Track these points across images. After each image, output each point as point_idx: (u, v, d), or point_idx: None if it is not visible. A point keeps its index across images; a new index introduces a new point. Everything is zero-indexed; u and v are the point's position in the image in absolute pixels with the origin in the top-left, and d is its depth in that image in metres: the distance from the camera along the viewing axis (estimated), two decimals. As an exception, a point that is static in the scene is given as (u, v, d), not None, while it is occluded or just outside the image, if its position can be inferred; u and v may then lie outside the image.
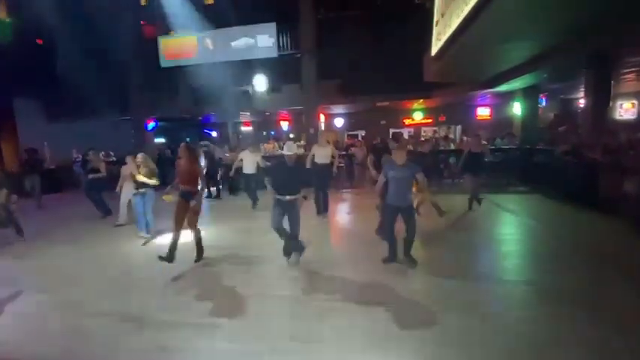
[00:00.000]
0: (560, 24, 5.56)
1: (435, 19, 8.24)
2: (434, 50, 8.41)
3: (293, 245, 4.19)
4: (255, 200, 7.62)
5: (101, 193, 7.31)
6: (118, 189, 6.39)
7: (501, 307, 3.18)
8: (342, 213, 7.22)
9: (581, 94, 10.92)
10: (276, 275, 4.08)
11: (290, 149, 4.08)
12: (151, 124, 15.66)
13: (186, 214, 4.26)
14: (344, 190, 9.76)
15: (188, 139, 17.97)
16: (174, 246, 4.19)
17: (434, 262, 4.25)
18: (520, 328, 2.84)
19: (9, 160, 13.36)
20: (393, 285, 3.63)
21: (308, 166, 6.29)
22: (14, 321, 3.29)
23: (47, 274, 4.43)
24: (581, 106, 11.36)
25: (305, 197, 4.10)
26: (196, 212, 4.31)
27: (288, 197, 3.98)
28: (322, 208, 6.52)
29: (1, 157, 13.05)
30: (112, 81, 13.65)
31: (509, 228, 5.78)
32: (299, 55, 12.73)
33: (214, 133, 20.02)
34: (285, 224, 4.12)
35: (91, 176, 7.13)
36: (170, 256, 4.13)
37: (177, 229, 4.23)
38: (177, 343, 2.78)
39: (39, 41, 14.03)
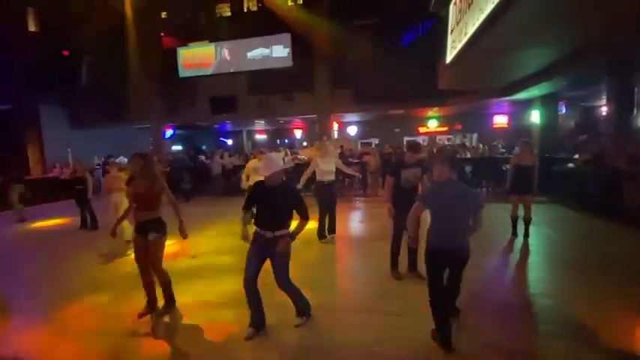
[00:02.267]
0: (579, 30, 5.44)
1: (450, 27, 8.20)
2: (448, 58, 8.35)
3: (294, 301, 3.01)
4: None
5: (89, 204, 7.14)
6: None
7: (519, 320, 3.07)
8: (352, 233, 6.27)
9: (603, 101, 10.59)
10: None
11: (269, 164, 2.80)
12: (169, 132, 16.09)
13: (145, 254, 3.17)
14: (357, 199, 9.70)
15: (204, 147, 18.51)
16: (152, 295, 3.27)
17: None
18: (541, 343, 2.73)
19: (34, 165, 13.94)
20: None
21: (302, 182, 5.32)
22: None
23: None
24: (604, 113, 11.00)
25: (292, 237, 2.86)
26: (159, 248, 3.20)
27: (270, 233, 2.81)
28: (328, 230, 5.49)
29: (27, 162, 13.63)
30: (133, 90, 14.16)
31: (529, 239, 5.59)
32: (313, 64, 12.88)
33: (230, 141, 20.37)
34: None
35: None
36: (142, 311, 3.26)
37: (142, 275, 3.24)
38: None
39: (65, 52, 14.70)
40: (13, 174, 8.85)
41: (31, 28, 14.48)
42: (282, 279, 2.88)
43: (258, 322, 2.91)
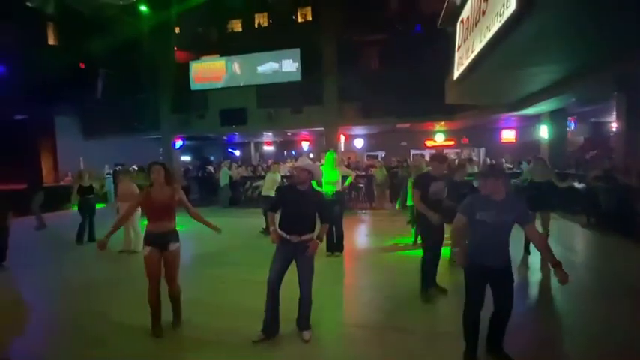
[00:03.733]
0: (587, 47, 5.47)
1: (457, 44, 8.31)
2: (455, 74, 8.44)
3: (303, 314, 2.98)
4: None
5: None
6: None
7: (528, 340, 3.00)
8: (358, 246, 6.22)
9: (614, 117, 10.53)
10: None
11: (301, 161, 3.03)
12: (179, 143, 16.36)
13: (161, 266, 3.06)
14: (362, 211, 9.68)
15: (212, 158, 18.74)
16: (156, 317, 3.10)
17: (460, 288, 4.09)
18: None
19: (47, 173, 14.24)
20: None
21: None
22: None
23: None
24: (614, 129, 10.92)
25: (320, 239, 2.89)
26: (177, 260, 3.12)
27: (296, 237, 2.83)
28: (336, 247, 5.37)
29: (40, 170, 13.93)
30: (145, 102, 14.53)
31: (537, 256, 5.50)
32: (321, 78, 13.09)
33: (237, 152, 20.62)
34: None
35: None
36: (157, 330, 3.09)
37: (154, 291, 3.05)
38: None
39: (81, 65, 15.19)
40: (36, 182, 8.95)
41: (51, 41, 15.05)
42: (306, 283, 2.89)
43: (270, 327, 2.91)
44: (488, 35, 5.56)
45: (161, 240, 3.05)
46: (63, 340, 3.21)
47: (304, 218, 2.87)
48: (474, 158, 14.01)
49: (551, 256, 2.44)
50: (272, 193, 6.11)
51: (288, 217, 2.89)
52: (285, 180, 7.48)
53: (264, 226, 6.91)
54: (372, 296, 3.98)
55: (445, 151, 16.44)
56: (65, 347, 3.09)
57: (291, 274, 2.95)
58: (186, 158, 19.82)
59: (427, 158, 8.84)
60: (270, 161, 7.61)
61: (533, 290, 4.17)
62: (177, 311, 3.26)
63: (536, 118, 11.25)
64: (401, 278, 4.36)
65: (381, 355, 2.78)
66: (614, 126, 11.01)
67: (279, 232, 2.89)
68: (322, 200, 3.04)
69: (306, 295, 2.92)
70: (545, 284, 4.31)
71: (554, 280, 4.46)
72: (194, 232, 4.95)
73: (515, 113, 10.70)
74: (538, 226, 5.03)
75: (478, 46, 6.20)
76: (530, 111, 10.14)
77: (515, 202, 2.46)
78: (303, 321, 2.98)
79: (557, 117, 10.46)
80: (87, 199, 6.85)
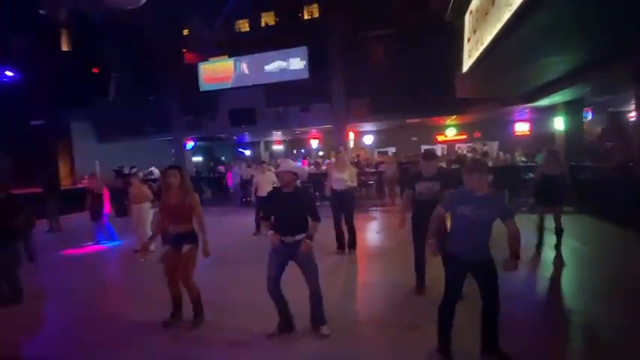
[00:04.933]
0: (603, 36, 5.29)
1: (467, 36, 8.15)
2: (465, 67, 8.28)
3: (316, 311, 3.05)
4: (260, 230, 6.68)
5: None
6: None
7: (543, 336, 2.95)
8: (369, 243, 6.12)
9: (632, 106, 10.16)
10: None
11: (284, 164, 3.04)
12: (190, 144, 16.59)
13: (178, 266, 3.21)
14: (374, 209, 9.63)
15: (223, 158, 18.94)
16: (175, 305, 3.34)
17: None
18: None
19: (64, 177, 14.66)
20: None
21: (327, 193, 5.45)
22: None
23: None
24: (632, 119, 10.54)
25: (310, 237, 2.94)
26: (193, 260, 3.24)
27: (291, 238, 2.91)
28: (348, 245, 5.41)
29: (57, 173, 14.35)
30: (157, 104, 14.77)
31: (554, 251, 5.38)
32: (329, 75, 13.04)
33: (248, 152, 20.78)
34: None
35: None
36: (175, 319, 3.33)
37: (173, 284, 3.27)
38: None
39: (95, 70, 15.53)
40: (52, 185, 9.16)
41: (64, 47, 15.44)
42: (313, 280, 2.96)
43: (284, 324, 3.02)
44: (499, 26, 5.43)
45: (176, 240, 3.21)
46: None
47: (295, 219, 2.93)
48: (488, 151, 13.77)
49: (516, 248, 2.44)
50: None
51: (280, 221, 2.95)
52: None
53: (256, 232, 6.87)
54: (385, 293, 3.97)
55: (457, 145, 16.23)
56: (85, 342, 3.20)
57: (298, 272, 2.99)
58: (197, 159, 20.10)
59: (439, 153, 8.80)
60: (263, 163, 7.62)
61: (545, 286, 4.07)
62: (197, 311, 3.30)
63: (551, 110, 10.94)
64: (413, 275, 4.33)
65: (392, 353, 2.78)
66: (632, 116, 10.64)
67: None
68: (310, 198, 3.10)
69: (315, 292, 2.98)
70: (557, 280, 4.22)
71: (567, 276, 4.36)
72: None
73: (529, 105, 10.44)
74: (550, 221, 4.93)
75: (488, 38, 6.06)
76: (544, 102, 9.86)
77: (496, 198, 2.54)
78: (318, 316, 3.03)
79: (573, 108, 10.13)
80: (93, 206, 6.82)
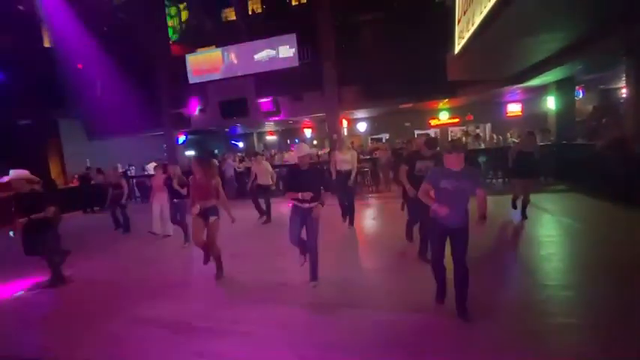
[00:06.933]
0: (593, 11, 5.25)
1: (457, 17, 8.05)
2: (457, 49, 8.21)
3: (312, 265, 3.85)
4: (263, 213, 7.30)
5: (125, 209, 7.62)
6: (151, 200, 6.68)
7: (541, 313, 3.01)
8: (368, 224, 6.65)
9: (623, 83, 10.18)
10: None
11: (300, 151, 3.79)
12: (182, 138, 16.37)
13: (204, 233, 4.18)
14: (369, 195, 9.65)
15: (216, 151, 18.76)
16: (205, 253, 4.29)
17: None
18: (563, 338, 2.68)
19: (56, 177, 14.45)
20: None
21: (333, 175, 6.09)
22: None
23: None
24: (624, 96, 10.59)
25: (322, 204, 3.72)
26: (216, 228, 4.23)
27: (307, 204, 3.70)
28: (347, 216, 6.24)
29: (48, 172, 14.13)
30: (145, 98, 14.48)
31: (547, 229, 5.45)
32: (319, 62, 12.85)
33: (241, 144, 20.59)
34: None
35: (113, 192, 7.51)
36: (220, 273, 4.37)
37: (201, 244, 4.22)
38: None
39: (79, 66, 15.15)
40: (54, 186, 9.28)
41: (47, 44, 15.00)
42: (312, 237, 3.75)
43: (305, 258, 3.94)
44: (489, 5, 5.36)
45: (204, 213, 4.15)
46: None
47: (311, 189, 3.64)
48: (480, 134, 13.80)
49: (483, 210, 3.07)
50: (269, 181, 7.19)
51: (300, 190, 3.66)
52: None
53: (261, 216, 7.43)
54: (384, 278, 4.01)
55: (450, 129, 16.22)
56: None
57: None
58: (191, 153, 19.86)
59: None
60: (258, 155, 7.95)
61: (539, 262, 4.13)
62: (219, 266, 4.35)
63: (543, 89, 10.95)
64: (407, 261, 4.38)
65: (389, 335, 2.83)
66: (624, 92, 10.68)
67: (295, 202, 3.75)
68: (323, 173, 4.09)
69: (312, 247, 3.77)
70: (553, 255, 4.28)
71: (560, 254, 4.43)
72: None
73: (520, 85, 10.42)
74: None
75: (479, 18, 5.99)
76: (535, 82, 9.86)
77: (471, 172, 3.00)
78: (312, 272, 3.83)
79: (564, 86, 10.15)
80: (115, 194, 7.56)
